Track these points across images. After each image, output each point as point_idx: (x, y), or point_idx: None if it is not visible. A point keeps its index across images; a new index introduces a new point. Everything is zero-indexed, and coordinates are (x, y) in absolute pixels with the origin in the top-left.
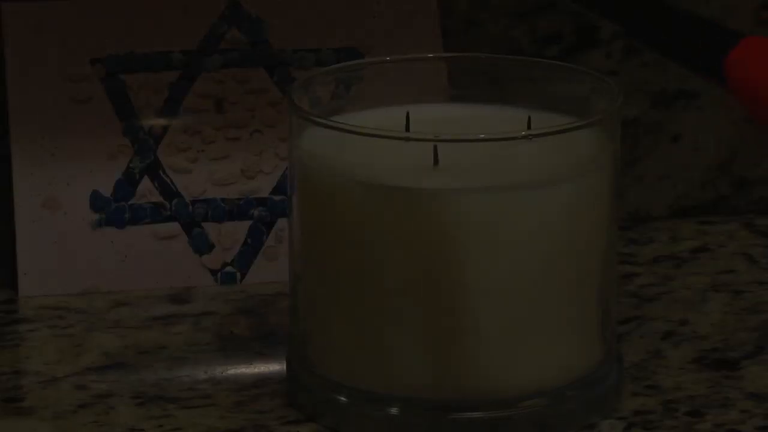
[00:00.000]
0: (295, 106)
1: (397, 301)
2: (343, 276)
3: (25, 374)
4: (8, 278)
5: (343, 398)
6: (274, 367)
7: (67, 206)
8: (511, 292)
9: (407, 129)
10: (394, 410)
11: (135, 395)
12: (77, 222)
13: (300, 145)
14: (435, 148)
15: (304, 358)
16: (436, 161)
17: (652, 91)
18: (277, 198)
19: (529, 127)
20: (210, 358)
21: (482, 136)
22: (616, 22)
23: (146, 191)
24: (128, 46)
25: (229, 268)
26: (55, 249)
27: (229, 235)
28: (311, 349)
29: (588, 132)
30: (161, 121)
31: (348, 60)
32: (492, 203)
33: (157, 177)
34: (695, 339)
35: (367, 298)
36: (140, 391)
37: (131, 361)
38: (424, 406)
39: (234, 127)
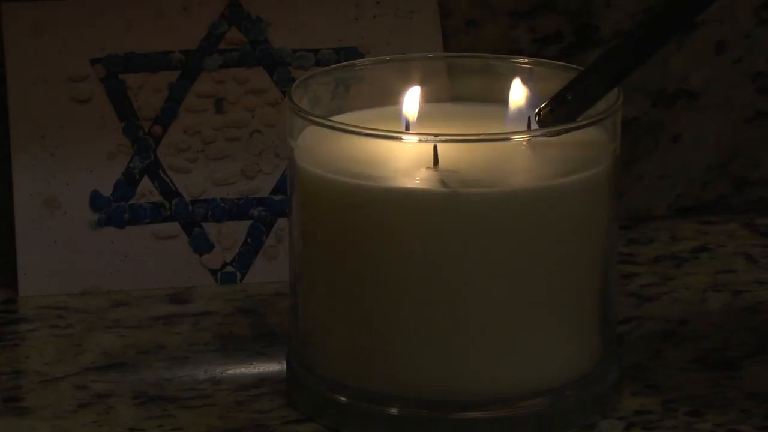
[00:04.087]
0: (294, 106)
1: (397, 301)
2: (343, 276)
3: (25, 374)
4: (8, 278)
5: (343, 398)
6: (274, 367)
7: (67, 206)
8: (511, 291)
9: (407, 129)
10: (394, 410)
11: (135, 395)
12: (77, 222)
13: (299, 145)
14: (435, 148)
15: (304, 358)
16: (436, 161)
17: (652, 91)
18: (277, 198)
19: (529, 127)
20: (210, 358)
21: (482, 136)
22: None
23: (146, 191)
24: (128, 46)
25: (229, 268)
26: (55, 249)
27: (229, 235)
28: (311, 349)
29: (588, 132)
30: (161, 121)
31: (348, 60)
32: (492, 203)
33: (157, 177)
34: (695, 339)
35: (367, 298)
36: (140, 391)
37: (131, 361)
38: (424, 406)
39: (234, 127)
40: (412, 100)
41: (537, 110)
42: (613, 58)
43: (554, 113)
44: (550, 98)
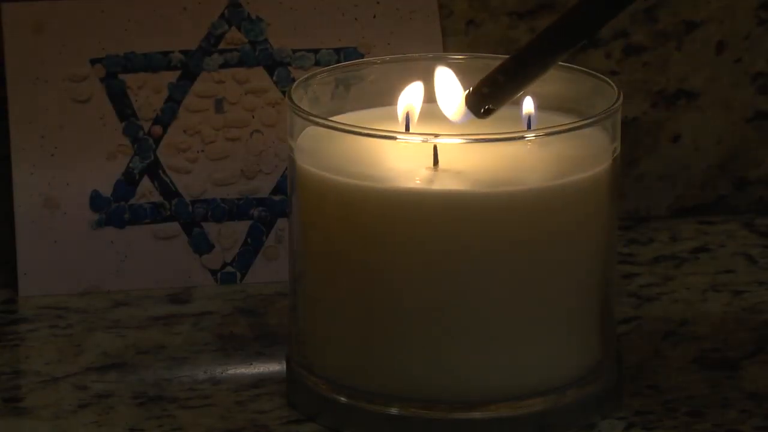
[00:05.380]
0: (294, 106)
1: (396, 301)
2: (342, 276)
3: (25, 374)
4: (8, 278)
5: (343, 398)
6: (274, 367)
7: (67, 206)
8: (511, 291)
9: (407, 129)
10: (394, 410)
11: (135, 395)
12: (77, 222)
13: (299, 145)
14: (435, 148)
15: (304, 358)
16: (436, 161)
17: (652, 91)
18: (277, 198)
19: (529, 127)
20: (210, 358)
21: (482, 136)
22: None
23: (146, 191)
24: (128, 46)
25: (229, 268)
26: (55, 249)
27: (229, 235)
28: (311, 349)
29: (588, 132)
30: (161, 121)
31: (348, 60)
32: (492, 203)
33: (157, 177)
34: (695, 339)
35: (367, 297)
36: (140, 391)
37: (131, 361)
38: (424, 406)
39: (234, 127)
40: (414, 96)
41: (467, 92)
42: (543, 40)
43: (486, 95)
44: (482, 80)
